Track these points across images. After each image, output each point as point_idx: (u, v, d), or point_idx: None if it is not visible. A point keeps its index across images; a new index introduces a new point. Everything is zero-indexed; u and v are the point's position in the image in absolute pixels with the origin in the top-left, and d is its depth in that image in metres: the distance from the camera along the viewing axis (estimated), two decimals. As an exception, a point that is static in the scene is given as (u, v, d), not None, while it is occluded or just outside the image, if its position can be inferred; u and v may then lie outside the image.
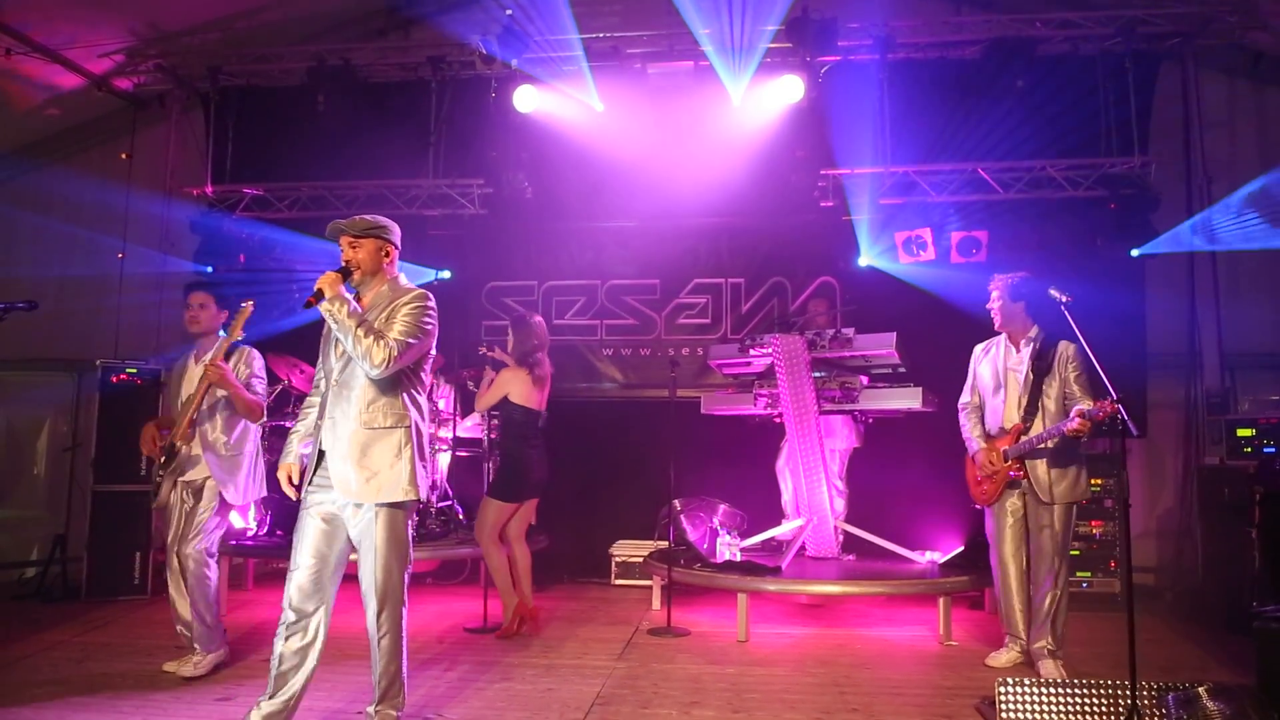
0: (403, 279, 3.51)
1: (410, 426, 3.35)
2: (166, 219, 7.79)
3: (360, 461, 3.25)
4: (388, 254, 3.45)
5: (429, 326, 3.35)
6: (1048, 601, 4.39)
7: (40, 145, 8.09)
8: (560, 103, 7.04)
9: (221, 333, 4.49)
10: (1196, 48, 6.75)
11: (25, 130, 7.96)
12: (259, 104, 7.68)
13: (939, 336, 6.16)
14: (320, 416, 3.38)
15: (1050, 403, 4.38)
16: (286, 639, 3.27)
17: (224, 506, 4.45)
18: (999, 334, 4.67)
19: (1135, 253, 6.51)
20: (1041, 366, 4.43)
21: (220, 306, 4.51)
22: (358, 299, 3.38)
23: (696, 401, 6.34)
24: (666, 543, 6.24)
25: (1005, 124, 6.69)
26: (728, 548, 5.68)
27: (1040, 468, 4.38)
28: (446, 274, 7.38)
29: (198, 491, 4.39)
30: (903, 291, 6.75)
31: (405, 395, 3.37)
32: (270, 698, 3.25)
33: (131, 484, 6.32)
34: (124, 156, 7.99)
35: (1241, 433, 5.74)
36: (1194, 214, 6.60)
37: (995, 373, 4.60)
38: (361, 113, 7.35)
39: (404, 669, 3.42)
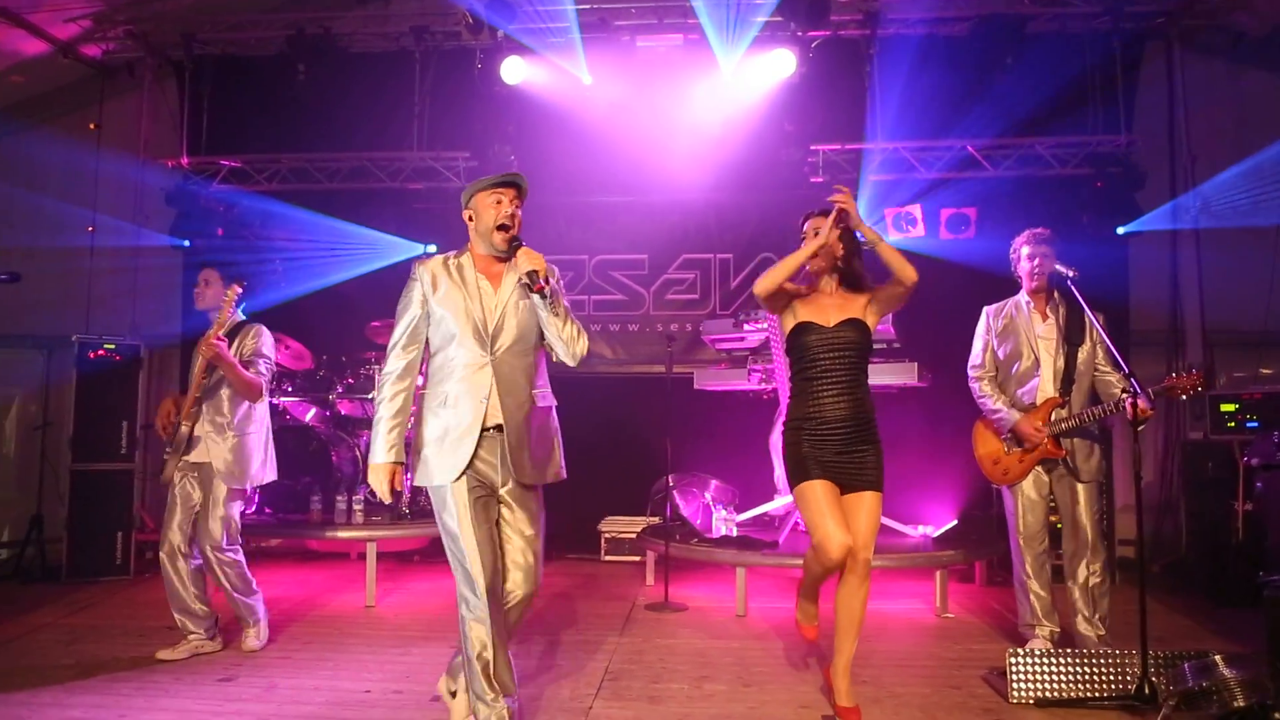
0: None
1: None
2: (140, 191, 7.57)
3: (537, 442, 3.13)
4: None
5: None
6: (1099, 586, 4.10)
7: (4, 113, 7.79)
8: (548, 75, 6.92)
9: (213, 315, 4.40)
10: (1181, 28, 6.82)
11: (-12, 97, 7.67)
12: (236, 74, 7.46)
13: (929, 312, 6.17)
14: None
15: (1082, 376, 4.16)
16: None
17: (234, 493, 4.34)
18: (1020, 297, 4.32)
19: (1121, 230, 6.59)
20: (1074, 336, 4.17)
21: (226, 283, 4.41)
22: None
23: (687, 377, 6.32)
24: (658, 519, 6.24)
25: (994, 101, 6.67)
26: (724, 523, 5.70)
27: (1079, 445, 4.12)
28: (433, 248, 7.25)
29: (205, 481, 4.31)
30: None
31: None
32: None
33: (111, 462, 6.16)
34: (92, 126, 7.72)
35: (1225, 408, 5.84)
36: (1178, 193, 6.70)
37: (1023, 340, 4.23)
38: (343, 84, 7.19)
39: None
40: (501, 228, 3.09)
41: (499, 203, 3.11)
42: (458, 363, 3.07)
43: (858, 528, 3.35)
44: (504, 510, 3.13)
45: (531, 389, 3.12)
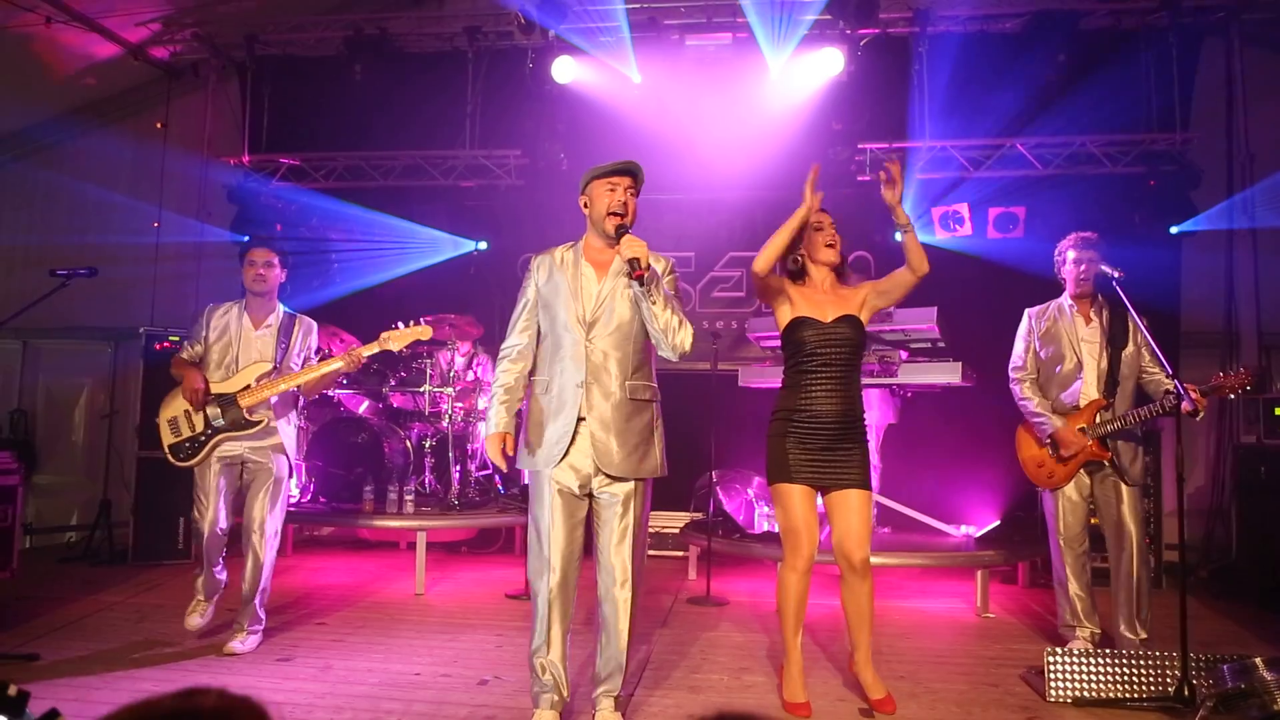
0: None
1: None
2: (203, 188, 7.85)
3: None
4: None
5: None
6: (1142, 588, 4.03)
7: (76, 113, 8.13)
8: (598, 74, 7.04)
9: (344, 353, 4.36)
10: (1242, 22, 6.70)
11: (61, 99, 7.99)
12: (295, 73, 7.71)
13: (976, 312, 6.18)
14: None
15: (1126, 379, 4.15)
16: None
17: (290, 471, 4.47)
18: (1063, 299, 4.31)
19: (1174, 230, 6.50)
20: (1118, 338, 4.16)
21: (283, 265, 4.45)
22: None
23: (732, 374, 6.38)
24: (701, 514, 6.31)
25: (1045, 99, 6.65)
26: (766, 519, 5.76)
27: (1123, 447, 4.09)
28: (484, 245, 7.42)
29: (265, 463, 4.28)
30: (938, 267, 6.71)
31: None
32: None
33: (176, 451, 6.40)
34: (159, 125, 8.02)
35: (1279, 412, 5.74)
36: (1235, 192, 6.58)
37: (1065, 343, 4.23)
38: (398, 83, 7.38)
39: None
40: (613, 214, 3.16)
41: (612, 190, 3.19)
42: (559, 350, 3.20)
43: (849, 527, 3.42)
44: (596, 506, 3.21)
45: (625, 379, 3.14)
